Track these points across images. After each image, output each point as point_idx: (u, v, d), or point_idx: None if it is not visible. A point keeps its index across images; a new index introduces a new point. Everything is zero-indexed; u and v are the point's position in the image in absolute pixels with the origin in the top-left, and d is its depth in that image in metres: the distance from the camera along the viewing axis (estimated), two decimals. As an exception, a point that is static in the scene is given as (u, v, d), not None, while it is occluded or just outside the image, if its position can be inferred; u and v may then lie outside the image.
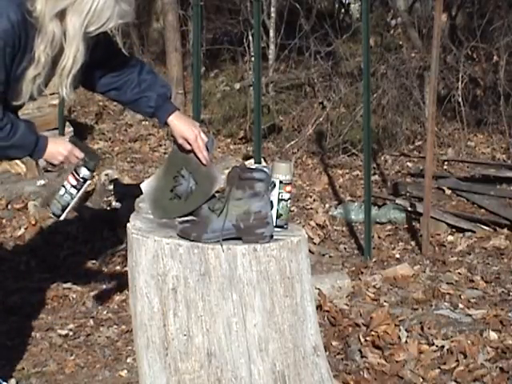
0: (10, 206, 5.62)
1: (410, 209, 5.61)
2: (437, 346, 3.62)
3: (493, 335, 3.69)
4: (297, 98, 8.23)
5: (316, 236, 5.38)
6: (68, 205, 2.80)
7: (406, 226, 5.59)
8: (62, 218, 2.83)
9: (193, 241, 2.42)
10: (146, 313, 2.48)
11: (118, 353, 3.75)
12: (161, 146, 7.70)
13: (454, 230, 5.44)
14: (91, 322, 4.09)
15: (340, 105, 7.82)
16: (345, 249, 5.29)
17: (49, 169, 6.15)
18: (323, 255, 5.12)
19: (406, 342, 3.64)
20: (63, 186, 2.80)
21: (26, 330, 3.93)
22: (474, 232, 5.37)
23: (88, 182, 2.81)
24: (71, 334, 3.96)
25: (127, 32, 9.60)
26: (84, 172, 2.77)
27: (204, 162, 2.72)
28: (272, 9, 8.53)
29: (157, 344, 2.47)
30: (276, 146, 7.63)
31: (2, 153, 2.73)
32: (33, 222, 5.25)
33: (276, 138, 7.80)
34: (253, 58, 7.30)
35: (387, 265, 4.90)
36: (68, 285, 4.48)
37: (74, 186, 2.78)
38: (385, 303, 4.24)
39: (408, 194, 6.01)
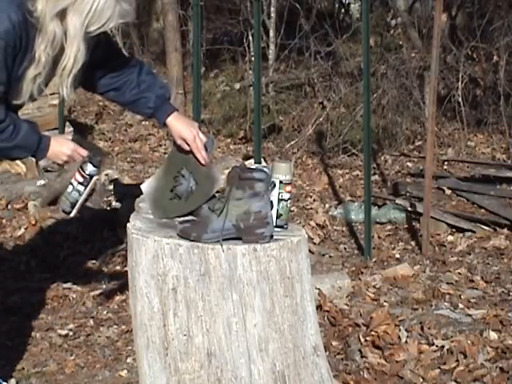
0: (10, 206, 5.62)
1: (410, 209, 5.61)
2: (437, 346, 3.62)
3: (493, 335, 3.69)
4: (297, 97, 8.23)
5: (316, 236, 5.38)
6: (77, 202, 2.82)
7: (406, 225, 5.59)
8: (72, 214, 2.85)
9: (193, 241, 2.42)
10: (146, 313, 2.48)
11: (118, 353, 3.75)
12: (161, 145, 7.70)
13: (453, 229, 5.44)
14: (91, 322, 4.09)
15: (340, 105, 7.83)
16: (345, 249, 5.29)
17: (49, 169, 6.16)
18: (323, 255, 5.12)
19: (406, 342, 3.64)
20: (71, 184, 2.82)
21: (25, 330, 3.93)
22: (474, 232, 5.37)
23: (95, 178, 2.81)
24: (71, 333, 3.96)
25: (127, 32, 9.61)
26: (90, 169, 2.78)
27: (203, 162, 2.72)
28: (272, 9, 8.54)
29: (157, 344, 2.47)
30: (276, 146, 7.63)
31: (4, 153, 2.73)
32: (33, 222, 5.25)
33: (276, 137, 7.80)
34: (253, 58, 7.30)
35: (387, 265, 4.90)
36: (68, 285, 4.48)
37: (81, 183, 2.79)
38: (385, 303, 4.24)
39: (408, 194, 6.01)
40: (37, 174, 6.08)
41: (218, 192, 2.73)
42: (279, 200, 2.62)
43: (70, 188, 2.82)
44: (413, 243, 5.32)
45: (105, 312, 4.21)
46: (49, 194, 5.64)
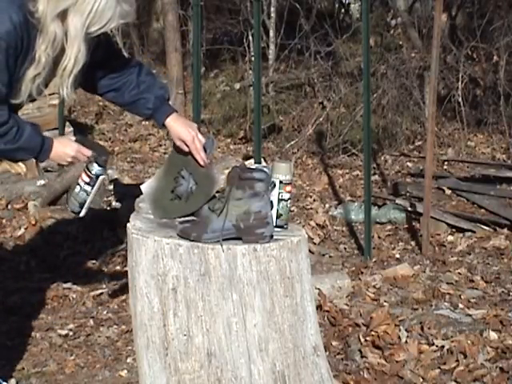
0: (10, 206, 5.62)
1: (410, 209, 5.61)
2: (437, 346, 3.62)
3: (493, 335, 3.69)
4: (297, 97, 8.23)
5: (316, 236, 5.38)
6: (85, 202, 2.82)
7: (406, 225, 5.59)
8: (81, 214, 2.85)
9: (193, 241, 2.42)
10: (146, 313, 2.48)
11: (118, 353, 3.75)
12: (161, 145, 7.71)
13: (454, 229, 5.44)
14: (91, 322, 4.09)
15: (340, 105, 7.83)
16: (345, 249, 5.29)
17: (49, 169, 6.16)
18: (323, 255, 5.12)
19: (406, 342, 3.64)
20: (78, 184, 2.82)
21: (26, 330, 3.93)
22: (474, 232, 5.37)
23: (102, 177, 2.80)
24: (71, 334, 3.96)
25: (127, 32, 9.61)
26: (96, 168, 2.78)
27: (202, 163, 2.72)
28: (272, 9, 8.54)
29: (157, 344, 2.47)
30: (276, 146, 7.63)
31: (8, 155, 2.73)
32: (33, 222, 5.25)
33: (276, 137, 7.81)
34: (253, 58, 7.30)
35: (387, 265, 4.90)
36: (68, 285, 4.48)
37: (88, 183, 2.79)
38: (385, 303, 4.24)
39: (408, 194, 6.01)
40: (37, 174, 6.08)
41: (217, 192, 2.73)
42: (279, 200, 2.62)
43: (78, 188, 2.81)
44: (413, 243, 5.32)
45: (105, 312, 4.21)
46: (49, 194, 5.64)
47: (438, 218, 5.43)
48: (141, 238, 2.48)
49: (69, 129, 6.65)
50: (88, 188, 2.80)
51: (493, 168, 6.49)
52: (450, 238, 5.35)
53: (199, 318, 2.41)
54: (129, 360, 3.65)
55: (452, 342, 3.63)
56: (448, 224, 5.46)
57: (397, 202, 5.75)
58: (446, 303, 4.22)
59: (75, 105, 8.34)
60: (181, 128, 2.76)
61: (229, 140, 7.93)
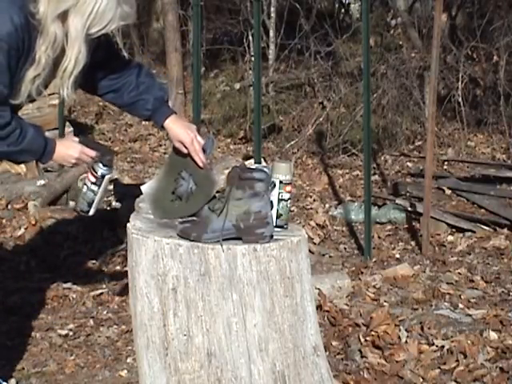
0: (10, 206, 5.62)
1: (410, 209, 5.61)
2: (437, 346, 3.62)
3: (493, 335, 3.69)
4: (297, 97, 8.23)
5: (316, 236, 5.38)
6: (93, 201, 2.83)
7: (406, 225, 5.59)
8: (90, 213, 2.86)
9: (193, 241, 2.42)
10: (146, 313, 2.48)
11: (118, 353, 3.75)
12: (161, 145, 7.71)
13: (454, 229, 5.45)
14: (91, 322, 4.09)
15: (340, 105, 7.83)
16: (345, 249, 5.29)
17: (49, 169, 6.16)
18: (323, 255, 5.12)
19: (406, 342, 3.64)
20: (85, 184, 2.83)
21: (25, 330, 3.93)
22: (474, 232, 5.37)
23: (108, 177, 2.81)
24: (71, 334, 3.96)
25: (127, 32, 9.60)
26: (101, 169, 2.78)
27: (200, 164, 2.71)
28: (272, 9, 8.54)
29: (157, 344, 2.47)
30: (276, 146, 7.63)
31: (11, 157, 2.73)
32: (33, 222, 5.25)
33: (276, 137, 7.81)
34: (253, 58, 7.30)
35: (387, 265, 4.90)
36: (68, 285, 4.48)
37: (94, 183, 2.80)
38: (385, 303, 4.24)
39: (408, 194, 6.01)
40: (37, 174, 6.08)
41: (217, 192, 2.73)
42: (279, 200, 2.62)
43: (85, 188, 2.82)
44: (413, 243, 5.32)
45: (105, 312, 4.21)
46: (49, 194, 5.64)
47: (438, 218, 5.43)
48: (141, 237, 2.47)
49: (69, 129, 6.65)
50: (95, 188, 2.80)
51: (493, 168, 6.49)
52: (450, 238, 5.35)
53: (199, 318, 2.41)
54: (129, 360, 3.65)
55: (452, 341, 3.63)
56: (448, 224, 5.47)
57: (397, 202, 5.75)
58: (446, 303, 4.22)
59: (75, 105, 8.34)
60: (179, 129, 2.76)
61: (229, 140, 7.93)
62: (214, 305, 2.41)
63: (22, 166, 6.07)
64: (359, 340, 3.67)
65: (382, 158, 7.26)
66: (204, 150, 2.73)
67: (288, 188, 2.64)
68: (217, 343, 2.42)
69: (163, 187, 2.77)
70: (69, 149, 2.74)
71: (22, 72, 2.58)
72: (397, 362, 3.48)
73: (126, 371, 3.55)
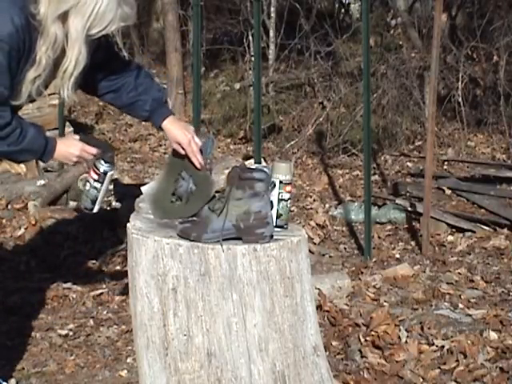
0: (10, 206, 5.62)
1: (410, 209, 5.61)
2: (437, 346, 3.62)
3: (493, 335, 3.69)
4: (297, 97, 8.23)
5: (316, 236, 5.38)
6: (96, 198, 2.83)
7: (406, 225, 5.59)
8: (95, 210, 2.86)
9: (193, 241, 2.42)
10: (146, 313, 2.48)
11: (118, 353, 3.75)
12: (161, 146, 7.71)
13: (454, 229, 5.44)
14: (91, 322, 4.09)
15: (340, 105, 7.83)
16: (345, 249, 5.29)
17: (49, 169, 6.16)
18: (323, 255, 5.12)
19: (406, 342, 3.64)
20: (87, 182, 2.83)
21: (25, 330, 3.93)
22: (474, 232, 5.37)
23: (110, 173, 2.81)
24: (71, 334, 3.96)
25: (127, 32, 9.61)
26: (103, 166, 2.78)
27: (198, 166, 2.71)
28: (272, 9, 8.54)
29: (157, 344, 2.47)
30: (276, 146, 7.63)
31: (11, 157, 2.73)
32: (33, 222, 5.25)
33: (276, 137, 7.81)
34: (253, 58, 7.31)
35: (387, 265, 4.90)
36: (68, 285, 4.48)
37: (97, 180, 2.80)
38: (385, 303, 4.24)
39: (408, 194, 6.01)
40: (37, 173, 6.08)
41: (217, 192, 2.73)
42: (279, 200, 2.62)
43: (88, 186, 2.83)
44: (413, 243, 5.32)
45: (105, 312, 4.21)
46: (49, 194, 5.64)
47: (438, 218, 5.43)
48: (141, 237, 2.48)
49: (69, 129, 6.65)
50: (98, 185, 2.81)
51: (493, 168, 6.49)
52: (450, 237, 5.35)
53: (199, 318, 2.41)
54: (129, 360, 3.65)
55: (452, 341, 3.63)
56: (448, 224, 5.46)
57: (397, 202, 5.75)
58: (446, 303, 4.22)
59: (75, 105, 8.34)
60: (177, 131, 2.77)
61: (229, 140, 7.93)
62: (214, 305, 2.41)
63: (22, 165, 6.07)
64: (359, 340, 3.67)
65: (382, 158, 7.26)
66: (201, 151, 2.73)
67: (288, 188, 2.64)
68: (217, 343, 2.42)
69: (163, 188, 2.77)
70: (70, 147, 2.74)
71: (22, 73, 2.58)
72: (397, 361, 3.48)
73: (126, 371, 3.55)
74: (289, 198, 2.65)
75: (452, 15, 8.68)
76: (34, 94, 2.64)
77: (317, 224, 5.55)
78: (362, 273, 4.72)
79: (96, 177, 2.80)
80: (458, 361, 3.48)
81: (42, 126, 2.76)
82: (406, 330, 3.75)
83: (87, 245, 5.05)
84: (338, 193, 6.36)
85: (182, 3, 9.19)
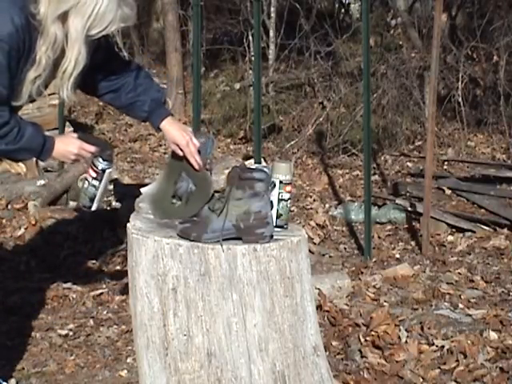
0: (10, 206, 5.62)
1: (410, 209, 5.61)
2: (437, 346, 3.62)
3: (493, 335, 3.69)
4: (297, 97, 8.23)
5: (316, 236, 5.38)
6: (95, 196, 2.83)
7: (406, 225, 5.59)
8: (93, 208, 2.86)
9: (193, 241, 2.42)
10: (146, 313, 2.48)
11: (118, 353, 3.75)
12: (161, 146, 7.71)
13: (454, 229, 5.44)
14: (91, 322, 4.09)
15: (340, 105, 7.83)
16: (345, 249, 5.29)
17: (49, 169, 6.16)
18: (323, 255, 5.12)
19: (406, 342, 3.64)
20: (86, 180, 2.83)
21: (25, 330, 3.93)
22: (474, 232, 5.37)
23: (108, 171, 2.81)
24: (71, 334, 3.96)
25: (127, 32, 9.61)
26: (101, 164, 2.78)
27: (196, 167, 2.71)
28: (272, 9, 8.54)
29: (157, 344, 2.47)
30: (276, 146, 7.63)
31: (10, 155, 2.73)
32: (33, 222, 5.25)
33: (276, 137, 7.81)
34: (253, 58, 7.31)
35: (387, 265, 4.90)
36: (68, 285, 4.48)
37: (95, 178, 2.80)
38: (385, 303, 4.24)
39: (408, 194, 6.01)
40: (37, 173, 6.08)
41: (217, 192, 2.73)
42: (279, 200, 2.62)
43: (86, 184, 2.83)
44: (413, 243, 5.32)
45: (105, 312, 4.21)
46: (49, 194, 5.64)
47: (438, 218, 5.43)
48: (141, 237, 2.48)
49: (69, 129, 6.65)
50: (96, 183, 2.81)
51: (493, 168, 6.49)
52: (450, 237, 5.35)
53: (199, 318, 2.41)
54: (129, 360, 3.65)
55: (452, 342, 3.63)
56: (448, 224, 5.46)
57: (397, 202, 5.75)
58: (446, 303, 4.22)
59: (75, 105, 8.34)
60: (175, 132, 2.77)
61: (229, 140, 7.93)
62: (214, 305, 2.41)
63: (22, 165, 6.07)
64: (359, 340, 3.67)
65: (382, 158, 7.26)
66: (200, 152, 2.73)
67: (288, 188, 2.64)
68: (217, 343, 2.42)
69: (163, 189, 2.77)
70: (68, 145, 2.74)
71: (22, 73, 2.58)
72: (397, 361, 3.48)
73: (126, 371, 3.55)
74: (289, 198, 2.65)
75: (452, 15, 8.68)
76: (34, 94, 2.64)
77: (317, 224, 5.55)
78: (361, 273, 4.72)
79: (94, 175, 2.80)
80: (458, 361, 3.48)
81: (41, 125, 2.75)
82: (406, 329, 3.75)
83: (87, 245, 5.05)
84: (338, 193, 6.36)
85: (182, 3, 9.20)
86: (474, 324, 3.90)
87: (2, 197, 5.68)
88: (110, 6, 2.49)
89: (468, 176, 6.56)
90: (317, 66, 8.15)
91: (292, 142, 7.46)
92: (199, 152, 2.73)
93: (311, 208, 5.95)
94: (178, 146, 2.74)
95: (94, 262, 4.83)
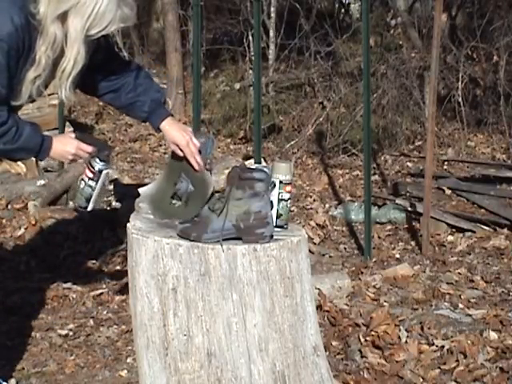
0: (10, 206, 5.62)
1: (410, 209, 5.61)
2: (437, 346, 3.62)
3: (493, 335, 3.69)
4: (297, 97, 8.23)
5: (316, 236, 5.38)
6: (91, 196, 2.82)
7: (406, 225, 5.59)
8: (89, 208, 2.85)
9: (193, 241, 2.42)
10: (146, 313, 2.48)
11: (118, 353, 3.75)
12: (161, 145, 7.71)
13: (454, 230, 5.44)
14: (91, 322, 4.09)
15: (340, 105, 7.83)
16: (345, 249, 5.29)
17: (49, 169, 6.15)
18: (323, 255, 5.12)
19: (406, 342, 3.64)
20: (82, 180, 2.82)
21: (25, 330, 3.93)
22: (474, 232, 5.37)
23: (105, 172, 2.80)
24: (71, 334, 3.96)
25: (127, 32, 9.61)
26: (98, 164, 2.78)
27: (196, 167, 2.71)
28: (272, 9, 8.54)
29: (157, 344, 2.47)
30: (276, 146, 7.63)
31: (7, 155, 2.73)
32: (33, 222, 5.25)
33: (276, 137, 7.81)
34: (253, 58, 7.30)
35: (387, 265, 4.90)
36: (68, 285, 4.48)
37: (92, 179, 2.80)
38: (385, 303, 4.24)
39: (408, 194, 6.01)
40: (37, 173, 6.08)
41: (217, 192, 2.73)
42: (279, 200, 2.62)
43: (82, 184, 2.82)
44: (413, 243, 5.32)
45: (105, 312, 4.21)
46: (49, 194, 5.64)
47: (438, 218, 5.43)
48: (141, 237, 2.48)
49: (69, 129, 6.65)
50: (92, 183, 2.80)
51: (493, 168, 6.49)
52: (450, 237, 5.35)
53: (199, 318, 2.41)
54: (129, 360, 3.65)
55: (452, 342, 3.63)
56: (448, 224, 5.46)
57: (397, 202, 5.75)
58: (446, 303, 4.22)
59: (75, 105, 8.34)
60: (175, 132, 2.77)
61: (229, 140, 7.93)
62: (214, 305, 2.41)
63: (22, 165, 6.07)
64: (359, 340, 3.67)
65: (382, 158, 7.26)
66: (200, 152, 2.73)
67: (288, 188, 2.64)
68: (217, 343, 2.42)
69: (163, 189, 2.77)
70: (66, 145, 2.74)
71: (22, 73, 2.58)
72: (397, 361, 3.48)
73: (126, 371, 3.55)
74: (289, 198, 2.65)
75: (452, 15, 8.68)
76: (34, 94, 2.64)
77: (317, 224, 5.55)
78: (362, 273, 4.72)
79: (91, 175, 2.79)
80: (458, 361, 3.48)
81: (39, 125, 2.75)
82: (406, 329, 3.75)
83: (87, 245, 5.05)
84: (338, 193, 6.36)
85: (182, 3, 9.19)
86: (473, 324, 3.90)
87: (2, 197, 5.68)
88: (110, 6, 2.49)
89: (468, 176, 6.56)
90: (317, 65, 8.15)
91: (292, 142, 7.46)
92: (200, 152, 2.73)
93: (311, 208, 5.95)
94: (178, 146, 2.74)
95: (94, 262, 4.83)
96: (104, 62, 2.80)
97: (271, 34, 8.47)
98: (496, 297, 4.34)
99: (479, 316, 3.99)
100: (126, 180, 6.17)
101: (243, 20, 8.79)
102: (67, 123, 6.73)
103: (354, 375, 3.39)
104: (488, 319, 3.93)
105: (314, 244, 5.24)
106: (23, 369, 3.56)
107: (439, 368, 3.46)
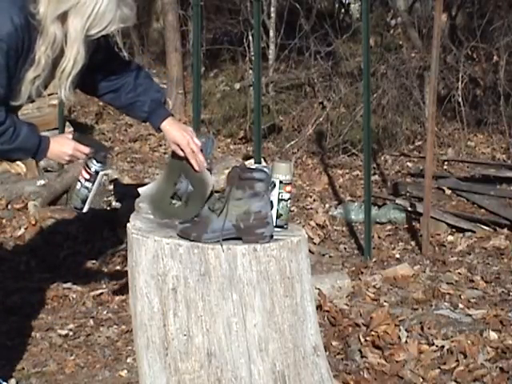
0: (10, 206, 5.62)
1: (410, 209, 5.61)
2: (437, 346, 3.62)
3: (493, 335, 3.69)
4: (297, 97, 8.23)
5: (316, 236, 5.38)
6: (87, 197, 2.82)
7: (406, 225, 5.59)
8: (84, 210, 2.85)
9: (193, 241, 2.42)
10: (146, 313, 2.48)
11: (118, 353, 3.75)
12: (161, 145, 7.71)
13: (454, 230, 5.44)
14: (91, 322, 4.09)
15: (340, 105, 7.83)
16: (345, 249, 5.29)
17: (49, 169, 6.15)
18: (323, 255, 5.12)
19: (406, 342, 3.64)
20: (78, 181, 2.82)
21: (25, 330, 3.93)
22: (474, 232, 5.37)
23: (102, 173, 2.80)
24: (71, 334, 3.96)
25: (127, 32, 9.60)
26: (95, 165, 2.77)
27: (196, 167, 2.71)
28: (272, 9, 8.54)
29: (157, 344, 2.47)
30: (276, 146, 7.63)
31: (5, 155, 2.73)
32: (33, 222, 5.25)
33: (276, 137, 7.81)
34: (253, 58, 7.30)
35: (387, 265, 4.90)
36: (68, 285, 4.48)
37: (88, 180, 2.79)
38: (385, 303, 4.24)
39: (408, 194, 6.01)
40: (37, 173, 6.08)
41: (217, 192, 2.73)
42: (279, 200, 2.62)
43: (79, 185, 2.82)
44: (413, 243, 5.32)
45: (105, 312, 4.21)
46: (49, 194, 5.64)
47: (438, 218, 5.43)
48: (141, 237, 2.48)
49: (69, 129, 6.65)
50: (88, 184, 2.80)
51: (493, 168, 6.49)
52: (450, 237, 5.35)
53: (199, 318, 2.41)
54: (129, 360, 3.65)
55: (452, 342, 3.63)
56: (448, 224, 5.46)
57: (397, 202, 5.75)
58: (446, 303, 4.22)
59: (75, 105, 8.34)
60: (176, 132, 2.76)
61: (229, 140, 7.93)
62: (214, 305, 2.41)
63: (22, 166, 6.07)
64: (359, 340, 3.67)
65: (382, 158, 7.26)
66: (201, 151, 2.73)
67: (288, 188, 2.64)
68: (217, 343, 2.42)
69: (163, 189, 2.77)
70: (63, 146, 2.74)
71: (21, 73, 2.58)
72: (397, 361, 3.48)
73: (126, 371, 3.55)
74: (289, 198, 2.65)
75: (452, 15, 8.68)
76: (33, 94, 2.64)
77: (317, 224, 5.55)
78: (362, 273, 4.72)
79: (87, 176, 2.79)
80: (458, 361, 3.48)
81: (36, 125, 2.75)
82: (406, 329, 3.75)
83: (87, 245, 5.05)
84: (338, 193, 6.36)
85: (182, 3, 9.19)
86: (473, 324, 3.90)
87: (2, 197, 5.68)
88: (110, 6, 2.49)
89: (468, 176, 6.56)
90: (317, 65, 8.15)
91: (292, 142, 7.45)
92: (201, 151, 2.73)
93: (311, 208, 5.95)
94: (178, 146, 2.74)
95: (93, 262, 4.83)
96: (104, 62, 2.80)
97: (271, 34, 8.47)
98: (496, 297, 4.34)
99: (479, 316, 3.99)
100: (126, 180, 6.17)
101: (243, 20, 8.79)
102: (67, 123, 6.73)
103: (353, 375, 3.39)
104: (488, 319, 3.93)
105: (314, 244, 5.24)
106: (23, 369, 3.56)
107: (439, 368, 3.46)
